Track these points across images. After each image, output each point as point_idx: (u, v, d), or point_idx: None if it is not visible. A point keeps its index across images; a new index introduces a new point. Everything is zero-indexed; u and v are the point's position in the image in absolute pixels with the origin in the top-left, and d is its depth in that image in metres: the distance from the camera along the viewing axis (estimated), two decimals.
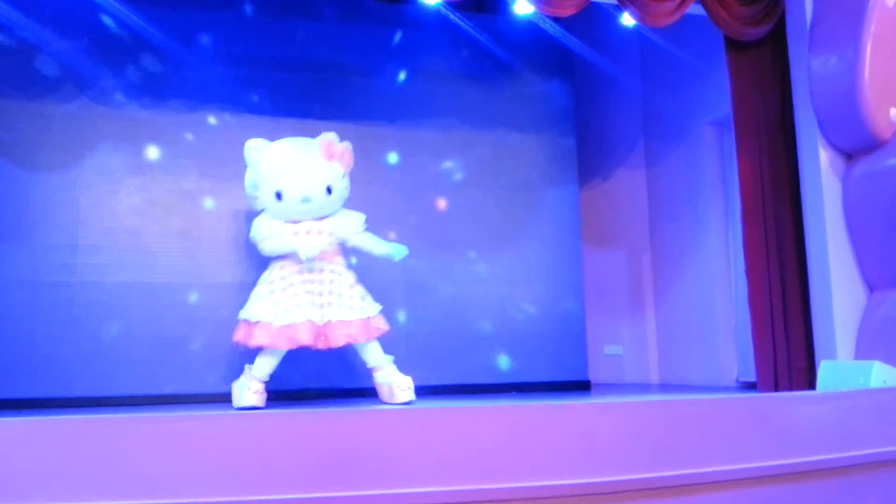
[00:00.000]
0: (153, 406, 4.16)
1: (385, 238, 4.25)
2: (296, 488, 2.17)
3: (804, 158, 4.57)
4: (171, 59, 4.76)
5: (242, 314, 4.04)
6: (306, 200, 4.00)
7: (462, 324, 4.87)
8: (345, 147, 4.13)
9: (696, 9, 4.46)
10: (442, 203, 4.40)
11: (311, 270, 3.97)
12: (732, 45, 4.72)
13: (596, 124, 6.15)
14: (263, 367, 4.00)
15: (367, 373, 4.16)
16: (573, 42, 5.48)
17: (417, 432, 2.34)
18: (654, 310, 6.03)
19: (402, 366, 4.11)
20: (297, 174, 4.01)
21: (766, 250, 4.59)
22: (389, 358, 4.10)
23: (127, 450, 2.15)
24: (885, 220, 4.18)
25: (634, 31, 5.34)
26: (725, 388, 5.03)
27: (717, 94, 5.06)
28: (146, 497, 2.10)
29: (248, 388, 3.94)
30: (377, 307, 4.07)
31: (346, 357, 4.39)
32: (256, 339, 3.91)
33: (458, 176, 4.88)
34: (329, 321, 3.92)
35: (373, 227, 4.24)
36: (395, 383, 4.00)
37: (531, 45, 5.45)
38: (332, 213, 4.13)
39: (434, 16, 4.97)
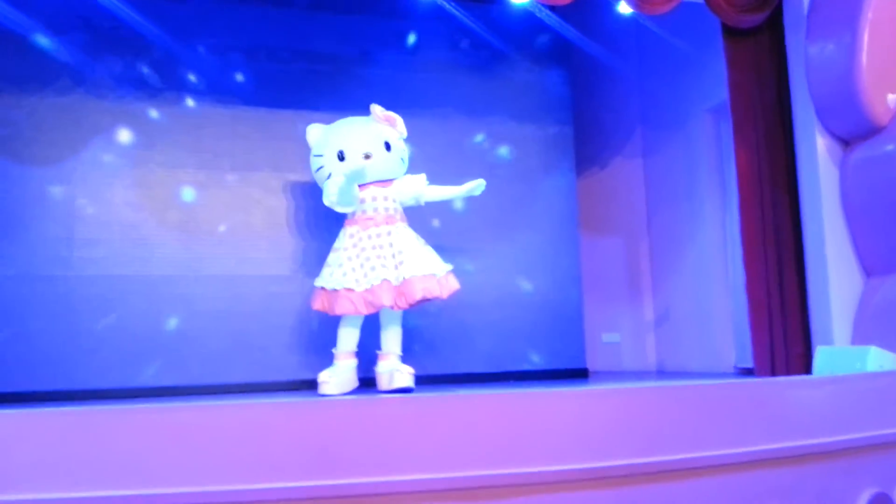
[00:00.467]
0: (152, 398, 4.17)
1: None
2: (290, 477, 2.18)
3: (801, 145, 4.57)
4: (167, 51, 4.74)
5: (319, 282, 4.14)
6: (367, 156, 4.12)
7: (459, 313, 4.87)
8: (393, 114, 4.29)
9: None
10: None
11: (379, 235, 4.06)
12: (729, 32, 4.70)
13: (593, 113, 6.13)
14: (348, 339, 4.12)
15: (368, 362, 4.18)
16: (570, 31, 5.47)
17: (414, 420, 2.34)
18: (652, 297, 6.04)
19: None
20: (356, 132, 4.22)
21: (764, 237, 4.59)
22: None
23: (121, 440, 2.15)
24: (882, 205, 4.18)
25: (631, 20, 5.31)
26: (723, 375, 5.04)
27: (714, 81, 5.05)
28: (142, 487, 2.10)
29: (345, 370, 4.06)
30: (449, 266, 4.15)
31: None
32: (341, 308, 4.00)
33: (453, 165, 4.87)
34: (405, 278, 3.98)
35: None
36: (395, 368, 4.03)
37: (528, 34, 5.43)
38: (396, 178, 4.23)
39: (429, 5, 4.95)
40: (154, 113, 4.71)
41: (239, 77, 4.88)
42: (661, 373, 5.70)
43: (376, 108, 4.27)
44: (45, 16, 4.54)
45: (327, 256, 4.21)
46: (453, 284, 4.14)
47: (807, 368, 4.31)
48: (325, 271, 4.15)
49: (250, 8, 4.95)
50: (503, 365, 5.06)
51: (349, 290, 3.98)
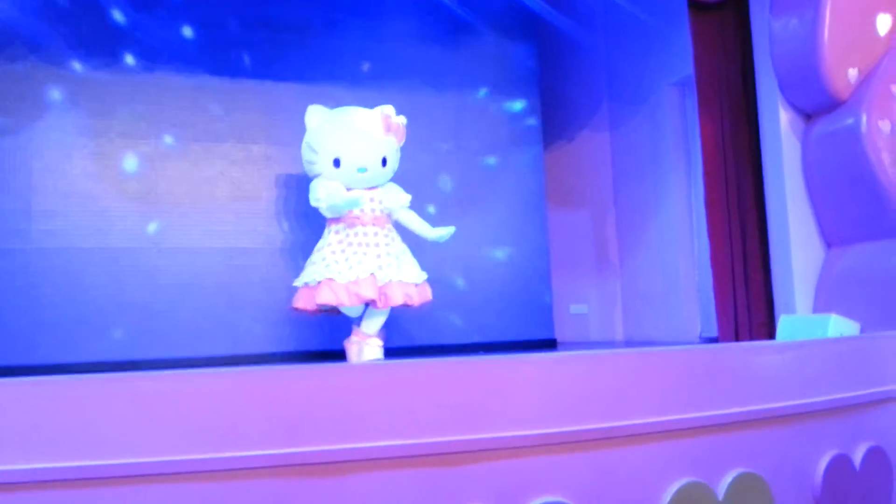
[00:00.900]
0: (116, 371, 4.09)
1: None
2: (258, 445, 2.16)
3: (764, 119, 4.62)
4: (127, 19, 4.61)
5: (300, 280, 4.07)
6: (362, 170, 4.10)
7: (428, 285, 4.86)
8: (401, 121, 4.23)
9: None
10: (405, 164, 4.40)
11: (366, 234, 4.05)
12: (695, 7, 4.73)
13: (560, 86, 6.13)
14: (373, 324, 4.13)
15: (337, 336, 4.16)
16: (537, 4, 5.44)
17: (382, 387, 2.33)
18: (619, 269, 6.10)
19: None
20: (357, 144, 4.12)
21: (728, 209, 4.65)
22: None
23: (85, 410, 2.11)
24: (842, 178, 4.25)
25: None
26: (689, 344, 5.11)
27: (680, 56, 5.08)
28: (106, 457, 2.07)
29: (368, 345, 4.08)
30: (425, 275, 4.21)
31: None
32: (322, 297, 3.92)
33: (421, 137, 4.84)
34: (390, 281, 3.98)
35: None
36: (364, 342, 4.05)
37: (495, 6, 5.40)
38: (382, 185, 4.22)
39: None
40: (113, 82, 4.58)
41: (202, 46, 4.77)
42: (629, 343, 5.78)
43: (389, 119, 4.17)
44: None
45: (310, 255, 4.18)
46: (427, 294, 4.21)
47: (770, 337, 4.39)
48: (308, 269, 4.09)
49: None
50: (472, 336, 5.08)
51: (330, 279, 3.93)
